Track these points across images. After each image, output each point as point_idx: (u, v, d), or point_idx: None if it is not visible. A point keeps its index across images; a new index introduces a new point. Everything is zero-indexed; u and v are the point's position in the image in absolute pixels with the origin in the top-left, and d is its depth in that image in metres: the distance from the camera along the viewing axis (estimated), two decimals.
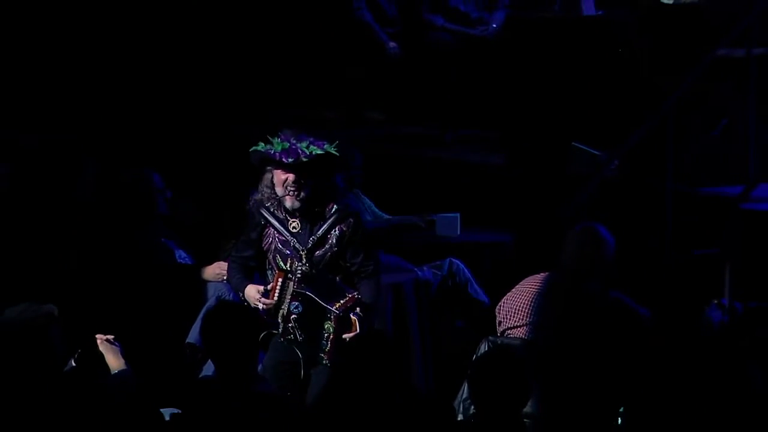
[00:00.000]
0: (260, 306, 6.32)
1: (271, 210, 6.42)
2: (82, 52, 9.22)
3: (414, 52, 9.92)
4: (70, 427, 5.16)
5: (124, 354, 5.76)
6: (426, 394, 7.33)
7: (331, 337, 6.30)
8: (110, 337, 5.80)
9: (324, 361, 6.32)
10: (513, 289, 6.61)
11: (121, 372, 5.72)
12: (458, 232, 8.45)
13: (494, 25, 9.91)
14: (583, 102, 9.22)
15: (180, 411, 5.51)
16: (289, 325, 6.34)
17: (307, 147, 6.29)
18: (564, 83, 9.31)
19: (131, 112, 9.10)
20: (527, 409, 5.65)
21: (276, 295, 6.31)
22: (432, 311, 7.85)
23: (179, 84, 9.44)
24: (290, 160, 6.26)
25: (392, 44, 9.95)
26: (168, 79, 9.42)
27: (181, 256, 7.41)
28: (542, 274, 6.57)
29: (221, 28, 9.68)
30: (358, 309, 6.32)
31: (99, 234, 7.11)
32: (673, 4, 10.69)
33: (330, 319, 6.30)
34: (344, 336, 6.28)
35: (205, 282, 7.22)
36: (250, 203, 6.57)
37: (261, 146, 6.32)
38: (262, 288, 6.36)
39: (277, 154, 6.27)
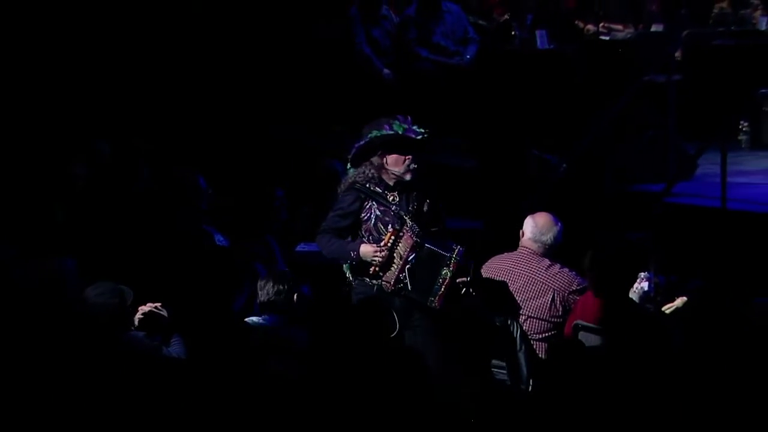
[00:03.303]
0: (377, 259, 6.01)
1: (370, 188, 6.13)
2: (143, 75, 9.22)
3: (404, 77, 9.92)
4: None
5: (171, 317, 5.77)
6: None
7: (446, 281, 5.99)
8: (158, 304, 5.78)
9: (433, 305, 5.98)
10: (482, 266, 6.60)
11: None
12: None
13: (467, 57, 9.95)
14: (538, 117, 9.22)
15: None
16: (402, 275, 6.03)
17: (419, 129, 6.11)
18: (523, 102, 9.31)
19: (181, 123, 9.10)
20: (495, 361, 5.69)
21: (387, 248, 6.00)
22: None
23: (219, 99, 9.44)
24: (418, 137, 6.08)
25: (386, 71, 9.97)
26: (212, 96, 9.43)
27: (219, 239, 7.38)
28: (506, 254, 6.57)
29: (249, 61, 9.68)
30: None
31: (156, 222, 7.08)
32: (609, 40, 10.74)
33: (448, 266, 6.00)
34: (458, 280, 5.99)
35: (240, 261, 7.17)
36: (344, 184, 6.24)
37: (376, 133, 6.09)
38: (374, 245, 6.05)
39: (409, 133, 6.07)
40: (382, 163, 6.11)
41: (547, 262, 6.41)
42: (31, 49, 8.87)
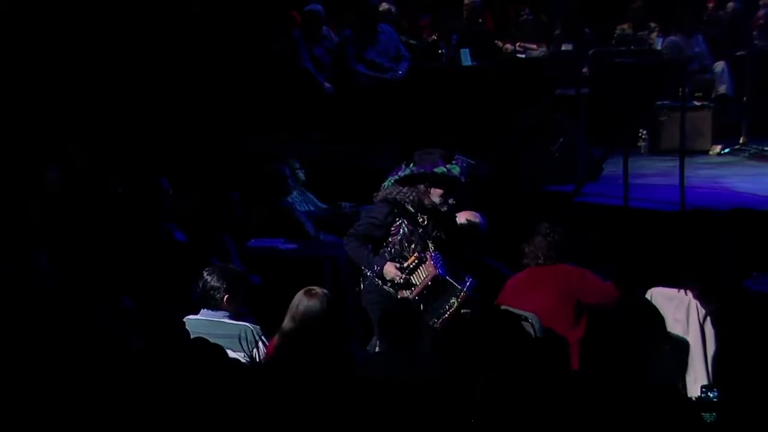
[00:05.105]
0: (397, 279, 5.98)
1: (406, 207, 6.08)
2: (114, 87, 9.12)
3: (343, 90, 9.92)
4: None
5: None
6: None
7: (452, 310, 5.94)
8: None
9: (435, 325, 5.90)
10: None
11: None
12: None
13: (400, 72, 9.97)
14: (463, 125, 9.27)
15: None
16: (417, 298, 5.94)
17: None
18: (450, 112, 9.35)
19: (149, 132, 9.01)
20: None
21: (410, 269, 5.96)
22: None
23: (181, 109, 9.37)
24: (465, 180, 6.05)
25: (327, 85, 9.95)
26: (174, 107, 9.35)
27: (179, 236, 7.32)
28: None
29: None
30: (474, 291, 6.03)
31: (124, 220, 7.00)
32: (525, 57, 10.84)
33: (457, 296, 5.97)
34: (462, 311, 5.92)
35: (197, 254, 7.08)
36: (380, 194, 6.17)
37: (440, 169, 6.01)
38: (397, 267, 5.99)
39: (461, 177, 6.02)
40: (427, 191, 6.06)
41: None
42: (5, 56, 8.73)
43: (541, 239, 5.98)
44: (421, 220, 6.07)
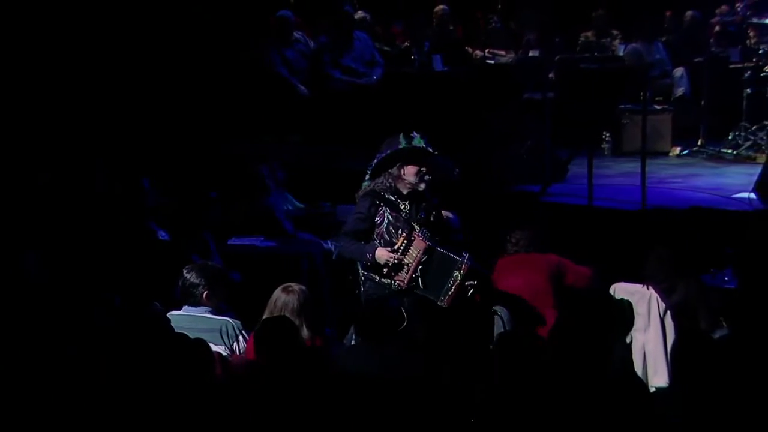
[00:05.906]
0: (391, 261, 5.81)
1: (385, 196, 5.96)
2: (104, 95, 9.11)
3: (319, 94, 9.94)
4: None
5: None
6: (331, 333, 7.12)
7: (457, 283, 5.75)
8: None
9: (443, 303, 5.77)
10: None
11: None
12: None
13: (374, 77, 9.99)
14: (435, 128, 9.25)
15: None
16: (415, 274, 5.81)
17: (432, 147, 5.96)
18: (422, 115, 9.35)
19: (132, 134, 9.00)
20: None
21: (401, 250, 5.80)
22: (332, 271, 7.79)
23: (163, 113, 9.36)
24: (432, 151, 5.95)
25: (302, 88, 9.94)
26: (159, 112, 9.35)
27: (161, 234, 7.32)
28: None
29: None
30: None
31: (110, 219, 6.99)
32: (494, 63, 10.89)
33: (459, 269, 5.76)
34: (467, 283, 5.77)
35: (179, 252, 7.08)
36: (361, 191, 6.05)
37: (404, 143, 5.91)
38: (388, 249, 5.84)
39: (429, 149, 5.90)
40: (400, 174, 5.95)
41: None
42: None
43: (529, 231, 6.39)
44: (403, 206, 5.95)
